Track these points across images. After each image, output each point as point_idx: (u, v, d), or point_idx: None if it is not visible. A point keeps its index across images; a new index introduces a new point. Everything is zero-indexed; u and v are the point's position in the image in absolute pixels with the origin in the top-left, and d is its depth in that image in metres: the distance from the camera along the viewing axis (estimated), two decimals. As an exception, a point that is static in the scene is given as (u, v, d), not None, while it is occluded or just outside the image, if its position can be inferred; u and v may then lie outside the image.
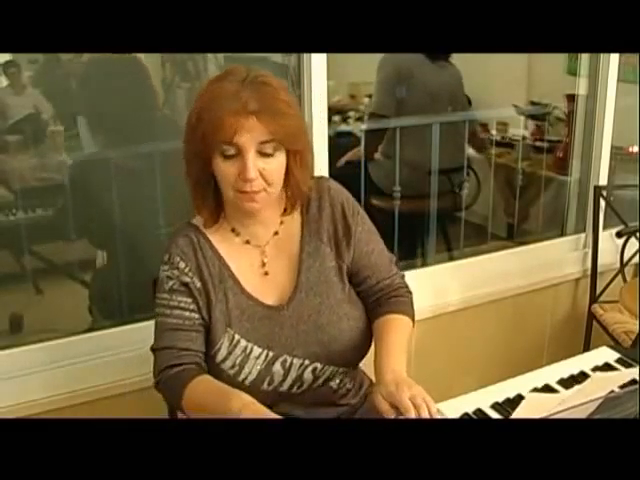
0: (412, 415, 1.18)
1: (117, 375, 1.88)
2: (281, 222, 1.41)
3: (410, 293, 1.49)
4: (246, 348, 1.35)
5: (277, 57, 2.42)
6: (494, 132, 3.67)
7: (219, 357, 1.35)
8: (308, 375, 1.39)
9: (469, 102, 3.92)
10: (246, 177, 1.25)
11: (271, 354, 1.36)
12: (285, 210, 1.41)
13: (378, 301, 1.45)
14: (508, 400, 1.34)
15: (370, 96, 3.33)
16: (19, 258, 2.04)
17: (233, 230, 1.40)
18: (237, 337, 1.35)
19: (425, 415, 1.18)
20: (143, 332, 1.86)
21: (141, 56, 1.97)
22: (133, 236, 2.06)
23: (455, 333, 2.42)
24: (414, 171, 2.79)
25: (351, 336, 1.40)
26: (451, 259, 2.74)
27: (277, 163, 1.28)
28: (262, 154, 1.26)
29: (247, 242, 1.40)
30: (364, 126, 3.07)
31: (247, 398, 1.20)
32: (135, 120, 2.07)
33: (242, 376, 1.34)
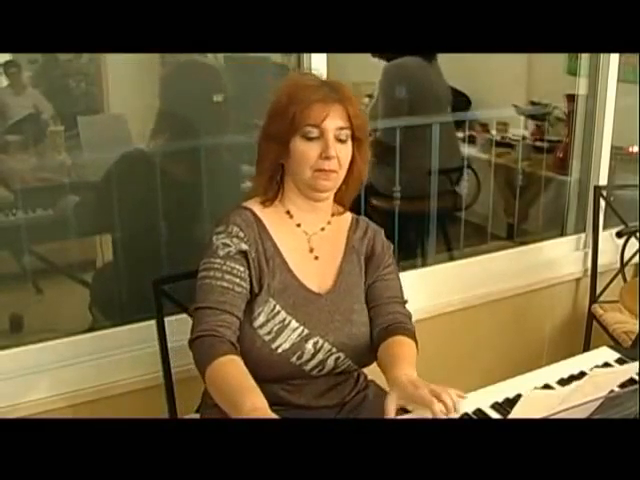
0: (436, 409, 1.21)
1: (117, 375, 1.87)
2: (329, 222, 1.54)
3: (414, 330, 1.53)
4: (285, 319, 1.42)
5: (277, 57, 2.42)
6: (494, 132, 3.68)
7: (257, 322, 1.41)
8: (331, 362, 1.45)
9: (469, 102, 3.93)
10: (329, 154, 1.40)
11: (306, 331, 1.43)
12: (332, 215, 1.54)
13: (387, 328, 1.49)
14: (508, 400, 1.34)
15: (370, 96, 3.32)
16: (19, 258, 2.04)
17: (288, 212, 1.50)
18: (278, 308, 1.43)
19: (450, 403, 1.22)
20: (143, 332, 1.87)
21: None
22: (133, 235, 2.06)
23: (455, 333, 2.42)
24: (413, 171, 2.79)
25: (368, 342, 1.49)
26: (451, 259, 2.74)
27: (348, 149, 1.45)
28: (338, 139, 1.42)
29: (298, 225, 1.50)
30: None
31: (260, 402, 1.21)
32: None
33: (276, 343, 1.40)
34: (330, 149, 1.40)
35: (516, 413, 1.20)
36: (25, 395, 1.80)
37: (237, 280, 1.41)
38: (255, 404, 1.20)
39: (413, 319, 1.54)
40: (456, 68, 3.20)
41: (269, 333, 1.40)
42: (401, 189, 2.63)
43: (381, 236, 1.58)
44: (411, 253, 2.82)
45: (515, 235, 3.11)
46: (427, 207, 2.76)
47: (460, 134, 3.23)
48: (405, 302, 1.56)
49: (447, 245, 2.96)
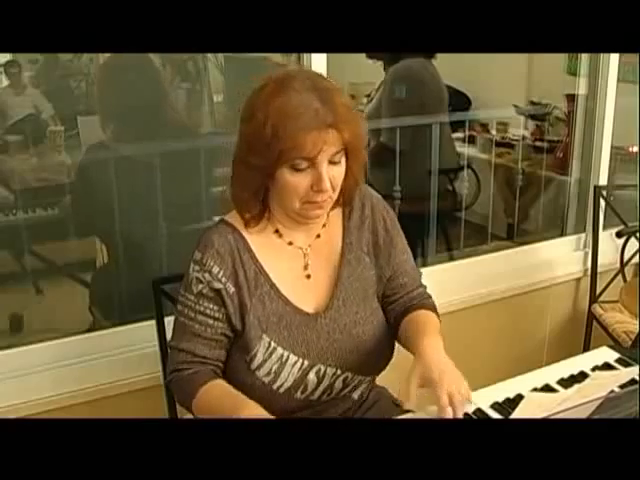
0: (446, 415, 1.18)
1: (117, 375, 1.87)
2: (324, 225, 1.41)
3: (434, 302, 1.50)
4: (282, 356, 1.32)
5: (277, 57, 2.42)
6: (494, 132, 3.68)
7: (255, 364, 1.32)
8: (339, 384, 1.38)
9: (469, 102, 3.93)
10: (321, 188, 1.25)
11: (306, 363, 1.34)
12: (327, 215, 1.40)
13: (410, 306, 1.44)
14: (508, 400, 1.33)
15: (369, 96, 3.32)
16: (19, 258, 2.04)
17: (277, 231, 1.37)
18: (273, 344, 1.32)
19: (460, 415, 1.19)
20: (143, 332, 1.86)
21: (153, 58, 1.98)
22: (133, 236, 2.06)
23: (455, 333, 2.40)
24: (414, 172, 2.79)
25: (382, 344, 1.41)
26: (451, 259, 2.74)
27: (342, 168, 1.29)
28: (331, 162, 1.26)
29: (290, 243, 1.38)
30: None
31: (257, 410, 1.19)
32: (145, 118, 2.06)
33: (277, 384, 1.32)
34: (324, 182, 1.24)
35: (516, 416, 1.20)
36: (25, 395, 1.79)
37: (210, 321, 1.32)
38: (253, 412, 1.17)
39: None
40: (456, 68, 3.20)
41: (268, 374, 1.32)
42: (401, 189, 2.64)
43: (380, 211, 1.44)
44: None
45: (515, 235, 3.11)
46: (427, 207, 2.76)
47: (460, 134, 3.23)
48: (420, 277, 1.51)
49: (447, 245, 2.96)
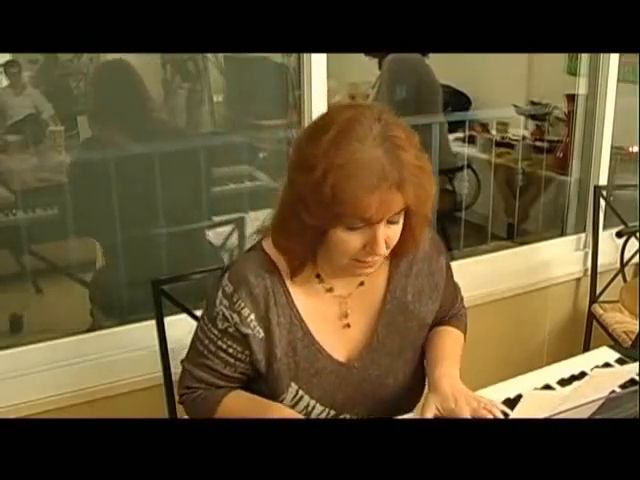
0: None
1: (117, 375, 1.87)
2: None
3: (465, 310, 1.48)
4: (308, 405, 1.28)
5: (277, 57, 2.42)
6: (494, 132, 3.68)
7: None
8: None
9: (469, 102, 3.93)
10: (376, 251, 1.14)
11: (332, 412, 1.30)
12: None
13: (440, 321, 1.43)
14: (508, 400, 1.34)
15: (369, 96, 3.32)
16: (19, 258, 2.05)
17: (318, 276, 1.27)
18: (301, 393, 1.26)
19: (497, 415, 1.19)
20: (143, 332, 1.86)
21: (130, 61, 1.98)
22: (133, 236, 2.06)
23: (455, 333, 2.42)
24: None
25: (412, 388, 1.36)
26: (451, 259, 2.73)
27: (400, 226, 1.18)
28: (389, 222, 1.15)
29: (329, 290, 1.28)
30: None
31: (286, 410, 1.19)
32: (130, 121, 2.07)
33: None
34: (379, 245, 1.13)
35: (516, 413, 1.20)
36: (25, 395, 1.79)
37: (232, 360, 1.25)
38: (283, 412, 1.18)
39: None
40: (456, 68, 3.20)
41: None
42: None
43: (430, 255, 1.34)
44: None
45: (515, 235, 3.11)
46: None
47: (460, 134, 3.23)
48: (459, 289, 1.48)
49: (447, 245, 2.96)
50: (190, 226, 2.12)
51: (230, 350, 1.25)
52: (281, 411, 1.19)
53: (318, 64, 2.01)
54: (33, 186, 2.08)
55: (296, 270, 1.23)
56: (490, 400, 1.24)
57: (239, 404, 1.26)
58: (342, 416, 1.31)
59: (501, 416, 1.22)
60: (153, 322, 1.71)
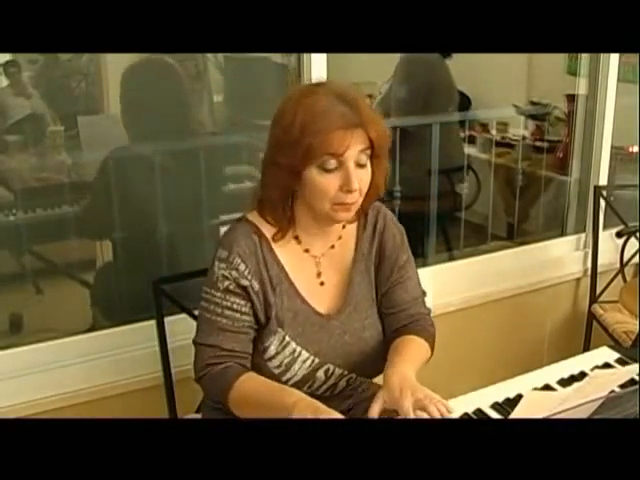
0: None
1: (117, 375, 1.87)
2: (339, 237, 1.45)
3: (434, 328, 1.51)
4: (294, 351, 1.38)
5: (277, 57, 2.42)
6: (494, 132, 3.68)
7: (267, 355, 1.38)
8: (343, 383, 1.45)
9: (469, 102, 3.93)
10: (351, 188, 1.29)
11: (317, 360, 1.40)
12: (343, 226, 1.45)
13: (405, 327, 1.47)
14: (508, 400, 1.34)
15: (370, 96, 3.32)
16: (19, 258, 2.04)
17: (296, 237, 1.42)
18: (287, 339, 1.38)
19: (437, 415, 1.20)
20: (143, 332, 1.86)
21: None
22: (134, 236, 2.05)
23: (455, 333, 2.41)
24: (413, 171, 2.79)
25: (382, 349, 1.45)
26: (451, 259, 2.74)
27: (368, 173, 1.33)
28: (358, 165, 1.30)
29: (306, 251, 1.43)
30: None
31: (299, 394, 1.26)
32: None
33: (286, 376, 1.38)
34: (352, 182, 1.28)
35: (516, 413, 1.20)
36: (25, 395, 1.79)
37: (238, 315, 1.36)
38: (296, 396, 1.24)
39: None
40: (456, 68, 3.20)
41: (279, 366, 1.38)
42: (402, 189, 2.64)
43: (391, 228, 1.49)
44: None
45: (515, 235, 3.11)
46: (427, 207, 2.76)
47: (460, 134, 3.23)
48: (424, 296, 1.53)
49: (447, 245, 2.96)
50: (191, 226, 2.12)
51: (235, 306, 1.36)
52: (294, 394, 1.25)
53: (318, 64, 2.01)
54: (33, 186, 2.08)
55: (277, 233, 1.39)
56: (440, 399, 1.24)
57: (256, 385, 1.33)
58: (326, 366, 1.40)
59: (448, 415, 1.21)
60: (153, 322, 1.71)
